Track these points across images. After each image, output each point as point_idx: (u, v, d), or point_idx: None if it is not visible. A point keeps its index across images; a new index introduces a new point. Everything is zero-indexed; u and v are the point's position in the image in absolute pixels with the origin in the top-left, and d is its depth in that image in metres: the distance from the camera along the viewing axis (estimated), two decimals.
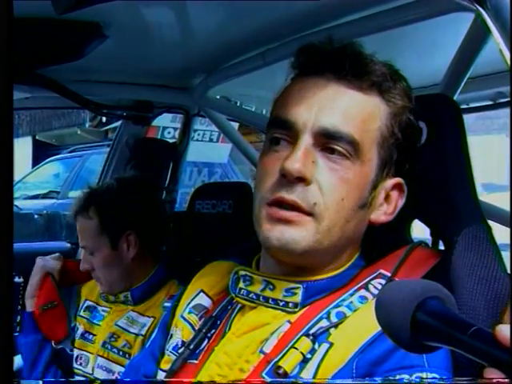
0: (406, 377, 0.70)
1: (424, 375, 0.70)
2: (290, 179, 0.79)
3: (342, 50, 0.83)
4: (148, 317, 1.53)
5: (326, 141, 0.80)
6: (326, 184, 0.79)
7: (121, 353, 1.51)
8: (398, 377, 0.70)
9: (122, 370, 1.45)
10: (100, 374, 1.53)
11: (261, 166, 0.84)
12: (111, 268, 1.56)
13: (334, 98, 0.81)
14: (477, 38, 1.09)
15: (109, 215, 1.54)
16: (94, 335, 1.61)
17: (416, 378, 0.70)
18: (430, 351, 0.55)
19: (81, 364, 1.60)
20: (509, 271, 0.82)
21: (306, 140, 0.80)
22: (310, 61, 0.85)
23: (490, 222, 0.91)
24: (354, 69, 0.81)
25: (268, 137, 0.85)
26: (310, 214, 0.79)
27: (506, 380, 0.47)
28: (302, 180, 0.79)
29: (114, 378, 1.48)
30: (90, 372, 1.57)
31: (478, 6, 0.72)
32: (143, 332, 1.50)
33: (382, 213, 0.85)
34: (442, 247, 0.92)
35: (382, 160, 0.83)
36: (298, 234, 0.79)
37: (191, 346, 0.89)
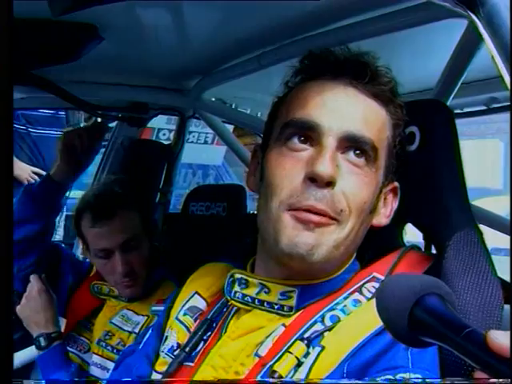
0: (390, 377, 0.71)
1: (407, 375, 0.71)
2: (320, 184, 0.78)
3: (362, 57, 0.84)
4: (142, 315, 1.53)
5: (350, 145, 0.80)
6: (350, 188, 0.79)
7: (115, 350, 1.52)
8: (382, 377, 0.71)
9: None
10: (95, 372, 1.53)
11: (276, 167, 0.82)
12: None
13: (355, 104, 0.82)
14: (470, 44, 1.09)
15: None
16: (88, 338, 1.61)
17: (399, 378, 0.70)
18: (426, 346, 0.56)
19: (80, 350, 1.62)
20: (499, 275, 0.83)
21: (331, 143, 0.80)
22: (327, 65, 0.85)
23: (483, 227, 0.91)
24: (373, 77, 0.83)
25: (283, 137, 0.83)
26: (334, 219, 0.79)
27: (495, 380, 0.48)
28: (330, 184, 0.78)
29: (108, 375, 1.48)
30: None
31: (470, 13, 0.72)
32: (136, 330, 1.51)
33: (382, 216, 0.87)
34: (434, 251, 0.93)
35: (387, 168, 0.85)
36: (321, 238, 0.79)
37: (187, 349, 0.89)
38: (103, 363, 1.53)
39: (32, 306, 1.51)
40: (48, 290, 1.54)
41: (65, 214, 3.33)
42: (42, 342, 1.50)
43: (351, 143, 0.80)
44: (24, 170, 3.15)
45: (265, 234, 0.83)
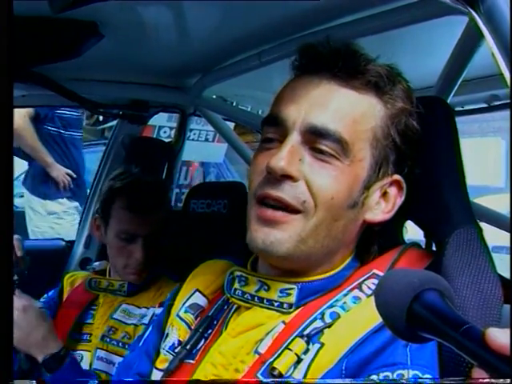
0: (388, 374, 0.71)
1: (405, 372, 0.71)
2: (275, 177, 0.79)
3: (336, 49, 0.83)
4: (146, 308, 1.54)
5: (315, 138, 0.80)
6: (315, 181, 0.79)
7: (120, 344, 1.53)
8: (381, 375, 0.71)
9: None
10: (100, 366, 1.53)
11: (252, 164, 0.85)
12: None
13: (326, 95, 0.81)
14: (471, 40, 1.09)
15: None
16: (89, 334, 1.61)
17: (397, 375, 0.70)
18: (424, 342, 0.56)
19: None
20: (501, 273, 0.83)
21: (294, 137, 0.80)
22: (306, 60, 0.85)
23: (484, 225, 0.91)
24: (347, 67, 0.81)
25: (262, 135, 0.85)
26: (298, 211, 0.79)
27: (493, 380, 0.48)
28: (288, 177, 0.79)
29: (114, 368, 1.48)
30: (87, 369, 1.57)
31: (471, 10, 0.72)
32: (143, 321, 1.51)
33: (380, 211, 0.85)
34: (434, 248, 0.93)
35: (376, 160, 0.82)
36: (283, 234, 0.79)
37: (188, 346, 0.89)
38: (108, 357, 1.53)
39: (22, 327, 1.32)
40: (33, 304, 1.36)
41: (63, 212, 3.36)
42: (53, 365, 1.34)
43: (315, 136, 0.79)
44: (60, 172, 3.26)
45: None
